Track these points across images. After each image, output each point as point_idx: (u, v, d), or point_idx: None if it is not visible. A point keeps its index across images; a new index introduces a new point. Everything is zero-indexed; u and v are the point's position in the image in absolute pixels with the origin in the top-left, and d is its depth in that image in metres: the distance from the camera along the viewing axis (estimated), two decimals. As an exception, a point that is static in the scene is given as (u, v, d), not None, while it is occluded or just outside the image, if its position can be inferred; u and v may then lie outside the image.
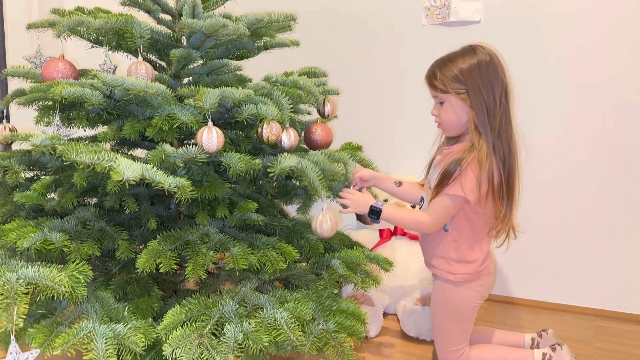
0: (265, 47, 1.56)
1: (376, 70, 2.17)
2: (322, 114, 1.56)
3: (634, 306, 1.88)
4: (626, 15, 1.77)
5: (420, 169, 2.10)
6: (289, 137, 1.32)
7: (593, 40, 1.82)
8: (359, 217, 1.50)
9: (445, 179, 1.31)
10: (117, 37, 1.35)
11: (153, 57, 1.49)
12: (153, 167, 1.06)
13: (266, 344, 1.11)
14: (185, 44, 1.41)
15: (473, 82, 1.30)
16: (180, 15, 1.34)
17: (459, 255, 1.40)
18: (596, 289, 1.92)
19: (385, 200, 1.53)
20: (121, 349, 1.08)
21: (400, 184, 1.55)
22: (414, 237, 1.98)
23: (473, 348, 1.47)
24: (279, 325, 1.14)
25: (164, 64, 1.50)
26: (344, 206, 1.40)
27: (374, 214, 1.38)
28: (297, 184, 1.54)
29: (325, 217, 1.28)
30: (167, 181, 1.03)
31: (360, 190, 1.46)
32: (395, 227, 1.99)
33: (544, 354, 1.43)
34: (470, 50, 1.34)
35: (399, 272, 1.89)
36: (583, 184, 1.90)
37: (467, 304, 1.43)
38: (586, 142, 1.88)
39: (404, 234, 1.98)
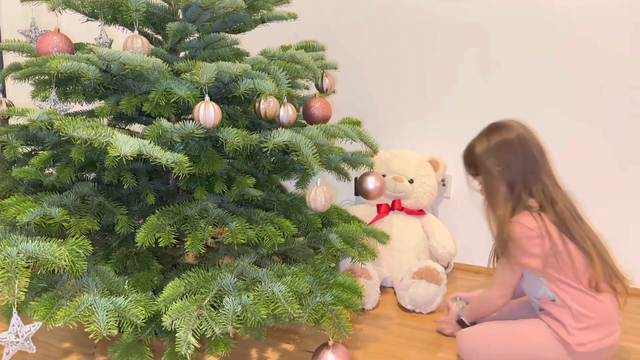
0: (263, 21, 1.54)
1: (375, 44, 2.15)
2: (320, 89, 1.55)
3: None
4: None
5: (418, 144, 2.12)
6: (286, 112, 1.31)
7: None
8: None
9: (499, 248, 1.36)
10: (112, 11, 1.33)
11: (149, 31, 1.48)
12: (150, 142, 1.06)
13: (264, 317, 1.13)
14: (181, 17, 1.39)
15: (495, 159, 1.34)
16: (176, -12, 1.32)
17: (577, 322, 1.29)
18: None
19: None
20: (122, 321, 1.10)
21: None
22: (411, 212, 2.00)
23: None
24: (276, 298, 1.16)
25: (160, 37, 1.49)
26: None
27: (464, 325, 1.51)
28: (295, 158, 1.54)
29: (319, 192, 1.29)
30: (165, 156, 1.03)
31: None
32: (393, 202, 2.00)
33: None
34: (495, 128, 1.38)
35: (396, 246, 1.91)
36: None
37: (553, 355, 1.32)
38: None
39: (402, 209, 2.00)
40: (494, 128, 1.38)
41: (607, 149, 1.87)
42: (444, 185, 2.11)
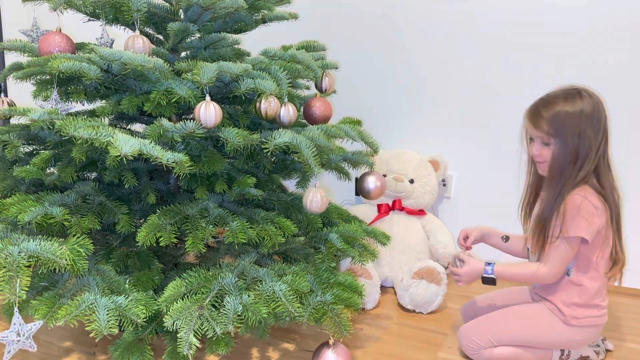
0: (264, 21, 1.55)
1: (375, 44, 2.15)
2: (320, 89, 1.56)
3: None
4: None
5: (419, 143, 2.12)
6: (287, 112, 1.32)
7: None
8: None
9: (554, 223, 1.30)
10: (113, 11, 1.33)
11: (150, 31, 1.48)
12: (151, 142, 1.06)
13: (265, 315, 1.13)
14: (182, 17, 1.40)
15: (576, 128, 1.27)
16: (177, -12, 1.33)
17: (583, 299, 1.35)
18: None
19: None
20: (123, 320, 1.10)
21: (507, 238, 1.54)
22: (411, 212, 2.00)
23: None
24: (277, 297, 1.17)
25: (161, 37, 1.49)
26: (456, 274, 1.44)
27: (489, 281, 1.39)
28: (296, 158, 1.55)
29: (316, 194, 1.29)
30: (165, 156, 1.03)
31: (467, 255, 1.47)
32: (394, 202, 2.01)
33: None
34: (577, 94, 1.30)
35: (397, 246, 1.91)
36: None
37: (574, 343, 1.39)
38: None
39: (402, 209, 2.00)
40: (584, 93, 1.30)
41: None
42: (444, 185, 2.11)
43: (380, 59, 2.15)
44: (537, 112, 1.32)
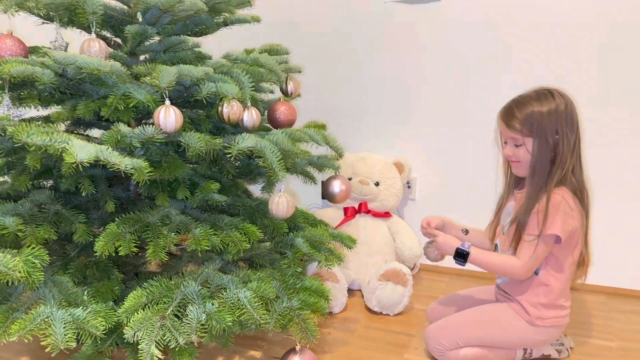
0: (225, 24, 1.53)
1: (339, 48, 2.15)
2: (285, 93, 1.55)
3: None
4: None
5: (384, 147, 2.13)
6: (250, 116, 1.30)
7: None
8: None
9: (532, 220, 1.31)
10: (68, 13, 1.29)
11: (107, 34, 1.44)
12: (108, 148, 1.03)
13: (230, 324, 1.11)
14: (140, 20, 1.36)
15: (553, 126, 1.29)
16: (135, -10, 1.30)
17: (549, 299, 1.37)
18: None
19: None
20: (81, 333, 1.07)
21: (466, 232, 1.54)
22: (377, 215, 2.01)
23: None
24: (242, 305, 1.15)
25: (119, 40, 1.45)
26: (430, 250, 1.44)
27: (461, 257, 1.37)
28: (260, 163, 1.53)
29: (282, 199, 1.29)
30: (123, 162, 1.01)
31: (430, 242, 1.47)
32: (360, 205, 2.01)
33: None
34: (549, 94, 1.32)
35: (363, 248, 1.92)
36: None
37: (530, 338, 1.40)
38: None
39: (368, 212, 2.00)
40: (555, 93, 1.32)
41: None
42: (409, 187, 2.13)
43: (344, 63, 2.16)
44: (511, 113, 1.34)
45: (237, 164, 1.49)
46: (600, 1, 1.78)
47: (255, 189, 1.63)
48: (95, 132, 1.46)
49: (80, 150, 0.97)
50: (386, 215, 2.02)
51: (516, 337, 1.41)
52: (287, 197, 1.30)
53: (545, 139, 1.30)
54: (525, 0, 1.86)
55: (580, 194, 1.34)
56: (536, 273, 1.39)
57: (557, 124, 1.30)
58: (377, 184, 2.00)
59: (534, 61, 1.89)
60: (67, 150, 0.97)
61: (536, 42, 1.88)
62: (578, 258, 1.38)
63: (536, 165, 1.32)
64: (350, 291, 1.90)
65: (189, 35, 1.46)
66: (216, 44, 1.65)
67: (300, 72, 1.58)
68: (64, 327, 1.03)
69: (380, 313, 1.77)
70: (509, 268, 1.36)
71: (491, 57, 1.94)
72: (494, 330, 1.41)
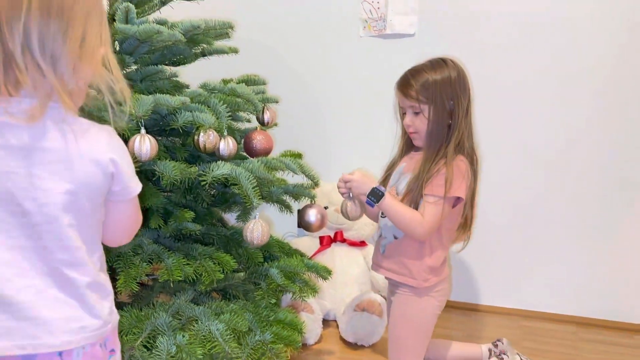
0: (203, 54, 1.54)
1: (316, 79, 2.18)
2: (261, 122, 1.56)
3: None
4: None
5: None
6: (227, 145, 1.30)
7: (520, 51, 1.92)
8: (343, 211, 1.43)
9: (434, 181, 1.30)
10: (44, 40, 1.29)
11: (84, 61, 1.43)
12: (81, 176, 1.01)
13: (200, 357, 1.09)
14: (118, 48, 1.37)
15: (448, 92, 1.32)
16: (114, 20, 1.30)
17: (433, 261, 1.37)
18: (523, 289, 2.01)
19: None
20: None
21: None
22: (353, 244, 2.01)
23: None
24: (213, 338, 1.13)
25: (96, 68, 1.45)
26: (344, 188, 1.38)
27: (375, 196, 1.31)
28: (236, 191, 1.53)
29: (257, 225, 1.28)
30: (96, 191, 0.99)
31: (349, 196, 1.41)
32: (335, 234, 2.01)
33: (490, 350, 1.49)
34: (443, 62, 1.35)
35: (339, 278, 1.91)
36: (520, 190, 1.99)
37: (430, 312, 1.40)
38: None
39: (343, 241, 2.01)
40: (449, 61, 1.35)
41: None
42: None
43: (318, 93, 2.19)
44: (407, 82, 1.35)
45: (212, 192, 1.48)
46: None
47: (231, 218, 1.62)
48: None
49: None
50: (362, 244, 2.03)
51: (423, 316, 1.40)
52: (263, 223, 1.29)
53: (442, 105, 1.33)
54: (494, 37, 1.93)
55: (471, 159, 1.37)
56: None
57: (451, 90, 1.33)
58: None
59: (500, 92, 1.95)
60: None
61: (502, 70, 1.94)
62: (462, 222, 1.41)
63: (433, 130, 1.34)
64: (326, 322, 1.88)
65: (166, 65, 1.46)
66: (195, 73, 1.66)
67: (277, 102, 1.59)
68: None
69: (356, 344, 1.75)
70: (415, 222, 1.31)
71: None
72: (408, 331, 1.40)
